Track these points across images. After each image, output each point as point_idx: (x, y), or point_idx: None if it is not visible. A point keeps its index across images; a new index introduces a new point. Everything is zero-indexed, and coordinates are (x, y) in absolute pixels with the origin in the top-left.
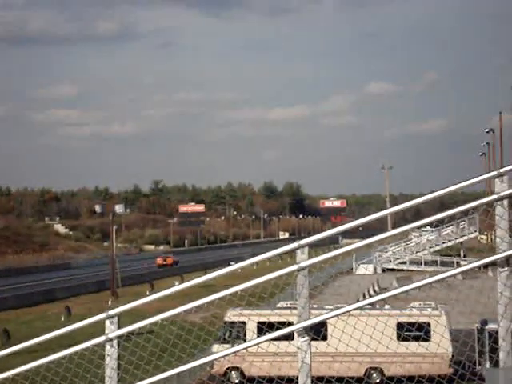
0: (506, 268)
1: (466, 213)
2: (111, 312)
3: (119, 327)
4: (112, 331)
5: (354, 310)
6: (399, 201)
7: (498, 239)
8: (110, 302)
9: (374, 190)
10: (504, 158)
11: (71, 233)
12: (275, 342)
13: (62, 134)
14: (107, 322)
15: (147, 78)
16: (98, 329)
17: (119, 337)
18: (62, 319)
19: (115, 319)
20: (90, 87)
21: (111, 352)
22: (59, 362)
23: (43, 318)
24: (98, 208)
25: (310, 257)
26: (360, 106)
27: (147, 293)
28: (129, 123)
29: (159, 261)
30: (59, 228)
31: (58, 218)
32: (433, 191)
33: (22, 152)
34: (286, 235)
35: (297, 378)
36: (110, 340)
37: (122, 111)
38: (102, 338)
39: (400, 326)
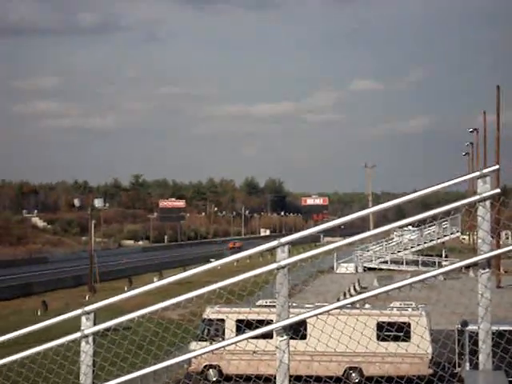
0: (487, 270)
1: (448, 213)
2: (87, 308)
3: (95, 323)
4: (88, 327)
5: (334, 309)
6: (382, 199)
7: (479, 240)
8: (87, 297)
9: (356, 188)
10: (487, 158)
11: (49, 226)
12: (253, 341)
13: (41, 126)
14: (83, 318)
15: (130, 71)
16: (75, 324)
17: (95, 333)
18: (39, 314)
19: (91, 315)
20: (71, 79)
21: (86, 349)
22: (34, 357)
23: (19, 313)
24: (76, 202)
25: (290, 255)
26: (344, 104)
27: (125, 288)
28: (110, 116)
29: (231, 245)
30: (37, 221)
31: (35, 212)
32: (416, 190)
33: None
34: (267, 232)
35: (274, 378)
36: (86, 336)
37: (104, 104)
38: (77, 335)
39: (380, 326)
